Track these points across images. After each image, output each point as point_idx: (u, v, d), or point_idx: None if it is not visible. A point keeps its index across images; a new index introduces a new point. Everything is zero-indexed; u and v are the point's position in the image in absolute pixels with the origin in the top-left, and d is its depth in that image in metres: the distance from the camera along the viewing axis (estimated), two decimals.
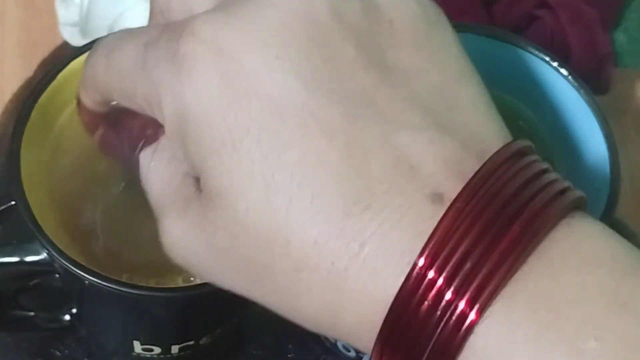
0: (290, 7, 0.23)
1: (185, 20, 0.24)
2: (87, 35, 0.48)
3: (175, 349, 0.37)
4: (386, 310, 0.21)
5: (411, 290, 0.21)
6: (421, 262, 0.21)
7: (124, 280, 0.33)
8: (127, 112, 0.27)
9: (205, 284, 0.33)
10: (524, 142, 0.23)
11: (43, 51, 0.51)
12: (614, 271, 0.21)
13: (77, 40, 0.50)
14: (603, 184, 0.35)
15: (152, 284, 0.34)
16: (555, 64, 0.38)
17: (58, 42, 0.51)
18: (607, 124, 0.37)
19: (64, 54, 0.50)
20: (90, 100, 0.28)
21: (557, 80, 0.38)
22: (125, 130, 0.28)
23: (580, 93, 0.37)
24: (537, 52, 0.38)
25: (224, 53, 0.23)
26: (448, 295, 0.21)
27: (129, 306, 0.35)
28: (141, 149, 0.27)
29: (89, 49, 0.37)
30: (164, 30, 0.24)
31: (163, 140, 0.26)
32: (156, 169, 0.26)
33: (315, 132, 0.22)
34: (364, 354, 0.40)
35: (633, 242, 0.22)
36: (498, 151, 0.22)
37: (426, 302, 0.21)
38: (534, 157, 0.23)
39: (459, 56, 0.24)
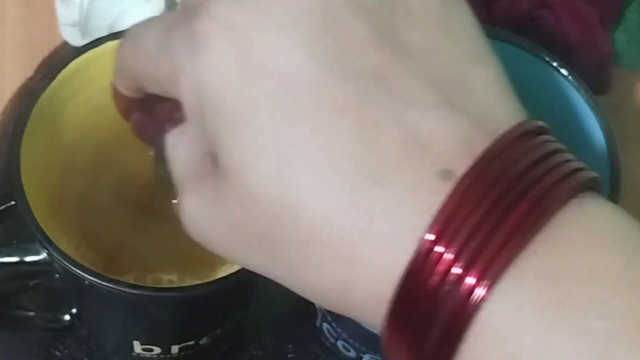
0: None
1: (201, 2, 0.24)
2: (87, 35, 0.48)
3: (175, 349, 0.37)
4: (396, 282, 0.21)
5: (420, 265, 0.21)
6: (430, 236, 0.21)
7: (124, 280, 0.33)
8: (158, 96, 0.28)
9: (205, 284, 0.33)
10: (538, 122, 0.23)
11: (43, 51, 0.51)
12: (625, 251, 0.21)
13: (77, 40, 0.50)
14: (603, 184, 0.35)
15: (152, 283, 0.34)
16: (555, 64, 0.38)
17: (58, 42, 0.51)
18: (607, 124, 0.37)
19: (64, 54, 0.50)
20: (123, 87, 0.29)
21: (557, 80, 0.38)
22: (155, 113, 0.29)
23: (580, 93, 0.37)
24: (537, 52, 0.38)
25: (237, 31, 0.23)
26: (457, 269, 0.21)
27: (129, 306, 0.35)
28: (170, 129, 0.28)
29: (89, 48, 0.37)
30: (183, 13, 0.25)
31: (188, 122, 0.27)
32: (180, 148, 0.27)
33: (326, 108, 0.22)
34: (363, 353, 0.40)
35: None
36: (509, 129, 0.22)
37: (435, 277, 0.21)
38: (548, 137, 0.23)
39: (475, 37, 0.25)
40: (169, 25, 0.25)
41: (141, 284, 0.33)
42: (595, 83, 0.48)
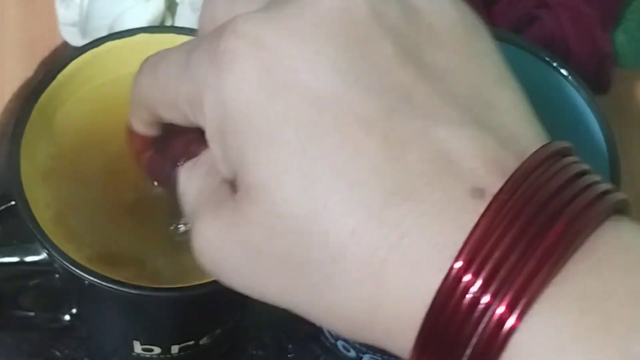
0: (330, 6, 0.23)
1: (226, 21, 0.24)
2: (87, 35, 0.48)
3: (175, 349, 0.37)
4: (426, 308, 0.21)
5: (449, 292, 0.21)
6: (458, 264, 0.21)
7: (123, 280, 0.33)
8: (172, 131, 0.28)
9: (205, 284, 0.33)
10: (564, 143, 0.23)
11: (43, 51, 0.51)
12: None
13: (77, 40, 0.50)
14: None
15: (151, 284, 0.34)
16: (555, 64, 0.38)
17: (58, 42, 0.51)
18: (607, 124, 0.37)
19: (64, 54, 0.50)
20: (139, 121, 0.29)
21: (557, 80, 0.38)
22: (169, 148, 0.29)
23: (580, 93, 0.37)
24: (537, 52, 0.38)
25: (263, 48, 0.23)
26: (486, 298, 0.20)
27: (129, 306, 0.35)
28: (182, 165, 0.28)
29: (89, 48, 0.37)
30: (207, 35, 0.25)
31: (203, 154, 0.27)
32: (194, 179, 0.27)
33: (352, 124, 0.22)
34: (363, 353, 0.40)
35: None
36: (538, 150, 0.22)
37: (464, 305, 0.21)
38: (574, 158, 0.23)
39: (497, 62, 0.25)
40: (191, 47, 0.25)
41: (141, 284, 0.33)
42: (595, 83, 0.48)
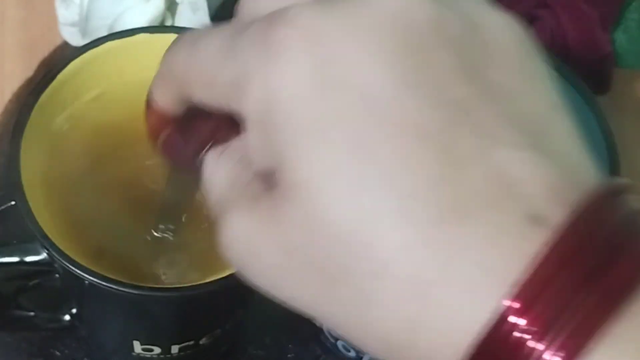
0: (391, 9, 0.22)
1: (279, 9, 0.23)
2: (87, 35, 0.49)
3: (175, 349, 0.37)
4: (472, 337, 0.20)
5: (501, 333, 0.19)
6: (513, 302, 0.19)
7: (123, 280, 0.33)
8: (198, 114, 0.26)
9: (205, 284, 0.33)
10: (625, 180, 0.22)
11: (43, 51, 0.51)
12: None
13: (77, 40, 0.50)
14: None
15: (151, 284, 0.34)
16: (555, 64, 0.38)
17: (58, 42, 0.52)
18: (607, 124, 0.37)
19: (64, 54, 0.50)
20: (163, 96, 0.27)
21: (557, 80, 0.38)
22: (194, 132, 0.27)
23: (580, 93, 0.37)
24: None
25: (318, 41, 0.22)
26: (540, 345, 0.19)
27: (129, 306, 0.35)
28: (207, 151, 0.26)
29: (89, 48, 0.37)
30: (255, 20, 0.24)
31: (234, 142, 0.26)
32: (222, 168, 0.25)
33: (409, 133, 0.21)
34: (363, 353, 0.40)
35: None
36: (601, 185, 0.21)
37: (515, 346, 0.19)
38: (635, 195, 0.21)
39: (552, 89, 0.24)
40: (239, 30, 0.24)
41: (141, 284, 0.33)
42: (595, 83, 0.48)
